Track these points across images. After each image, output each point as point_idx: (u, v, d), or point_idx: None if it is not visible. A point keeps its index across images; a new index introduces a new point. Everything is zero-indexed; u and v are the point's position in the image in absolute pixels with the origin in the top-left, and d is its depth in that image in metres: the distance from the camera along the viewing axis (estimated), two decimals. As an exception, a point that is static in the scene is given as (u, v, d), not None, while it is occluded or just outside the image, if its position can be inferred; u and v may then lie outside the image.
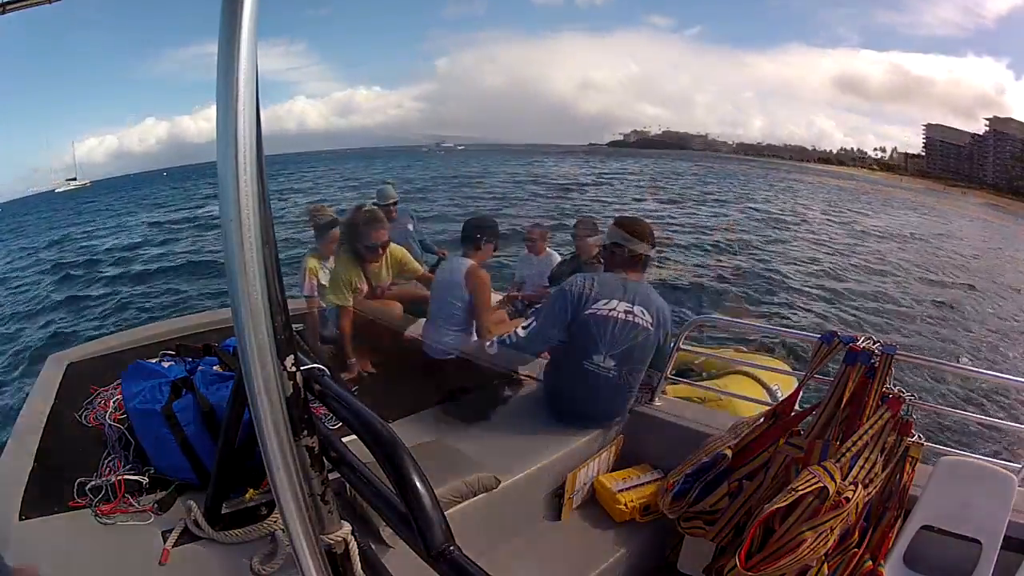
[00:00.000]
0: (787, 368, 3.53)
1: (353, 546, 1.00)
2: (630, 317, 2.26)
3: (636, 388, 2.39)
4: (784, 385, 3.27)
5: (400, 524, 0.88)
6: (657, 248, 2.47)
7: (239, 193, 0.62)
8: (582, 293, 2.28)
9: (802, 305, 9.24)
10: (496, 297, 4.93)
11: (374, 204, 4.46)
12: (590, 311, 2.25)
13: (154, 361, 2.11)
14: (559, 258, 4.43)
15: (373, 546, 1.42)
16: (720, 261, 11.85)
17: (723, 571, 1.73)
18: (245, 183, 0.62)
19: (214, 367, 2.01)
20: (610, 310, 2.26)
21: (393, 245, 2.98)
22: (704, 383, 3.10)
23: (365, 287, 2.87)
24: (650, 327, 2.27)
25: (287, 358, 0.84)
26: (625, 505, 2.15)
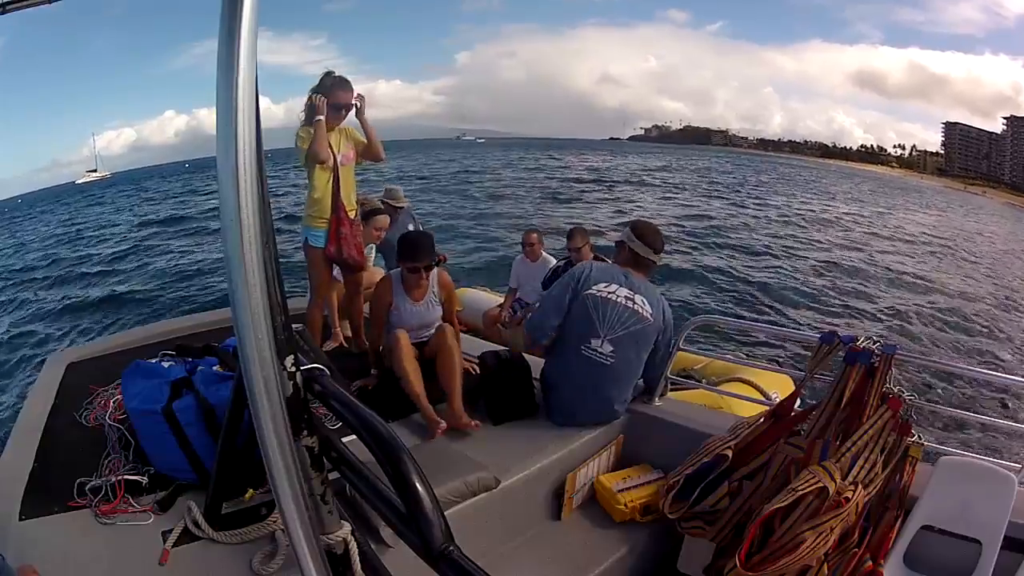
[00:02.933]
0: (784, 376, 3.52)
1: (353, 546, 1.00)
2: (630, 303, 2.27)
3: (633, 384, 2.37)
4: (784, 393, 3.27)
5: (400, 524, 0.88)
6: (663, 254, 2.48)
7: (239, 193, 0.62)
8: (583, 275, 2.33)
9: (808, 308, 9.24)
10: (496, 299, 4.94)
11: (380, 201, 4.47)
12: (589, 291, 2.28)
13: (154, 361, 2.10)
14: (555, 262, 4.43)
15: (373, 546, 1.42)
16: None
17: (723, 571, 1.73)
18: (245, 183, 0.62)
19: (214, 367, 2.01)
20: (610, 292, 2.28)
21: (349, 128, 2.91)
22: (706, 386, 3.09)
23: (330, 153, 2.77)
24: (649, 317, 2.27)
25: (287, 358, 0.85)
26: (625, 505, 2.15)
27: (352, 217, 2.92)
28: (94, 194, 39.41)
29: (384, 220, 3.53)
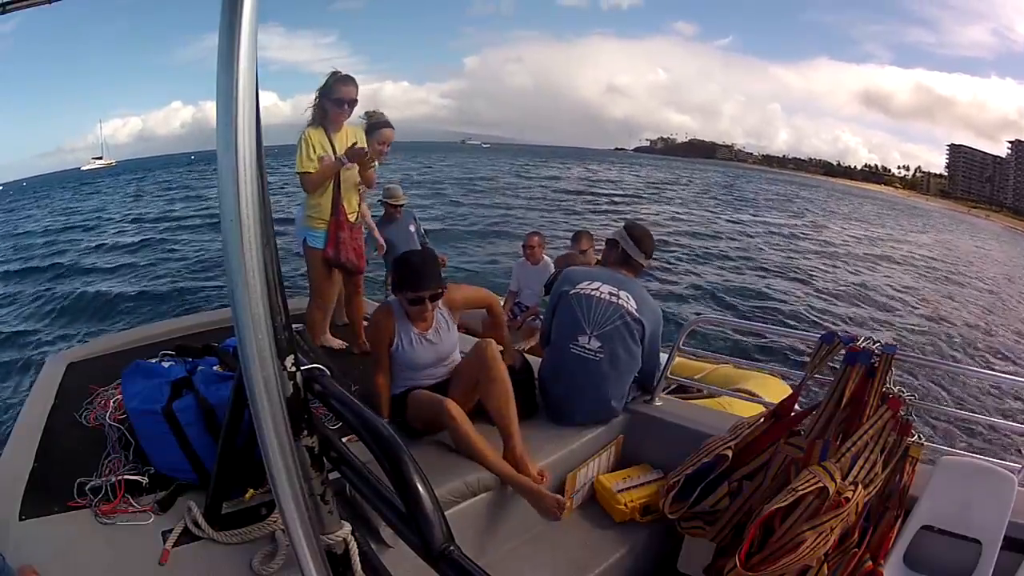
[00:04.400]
0: (786, 388, 3.52)
1: (353, 546, 1.00)
2: (614, 299, 2.29)
3: (628, 384, 2.37)
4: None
5: (400, 524, 0.88)
6: (655, 256, 2.52)
7: (239, 193, 0.62)
8: (565, 277, 2.41)
9: (808, 308, 9.23)
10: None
11: (380, 202, 4.44)
12: (573, 290, 2.33)
13: (154, 361, 2.10)
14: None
15: (373, 546, 1.42)
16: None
17: (723, 571, 1.73)
18: (245, 183, 0.62)
19: (214, 367, 2.01)
20: (593, 289, 2.31)
21: (358, 129, 2.88)
22: (705, 398, 3.07)
23: (333, 156, 2.72)
24: (635, 312, 2.28)
25: (287, 358, 0.85)
26: (625, 505, 2.15)
27: (352, 221, 2.89)
28: (99, 182, 39.31)
29: (389, 134, 3.22)
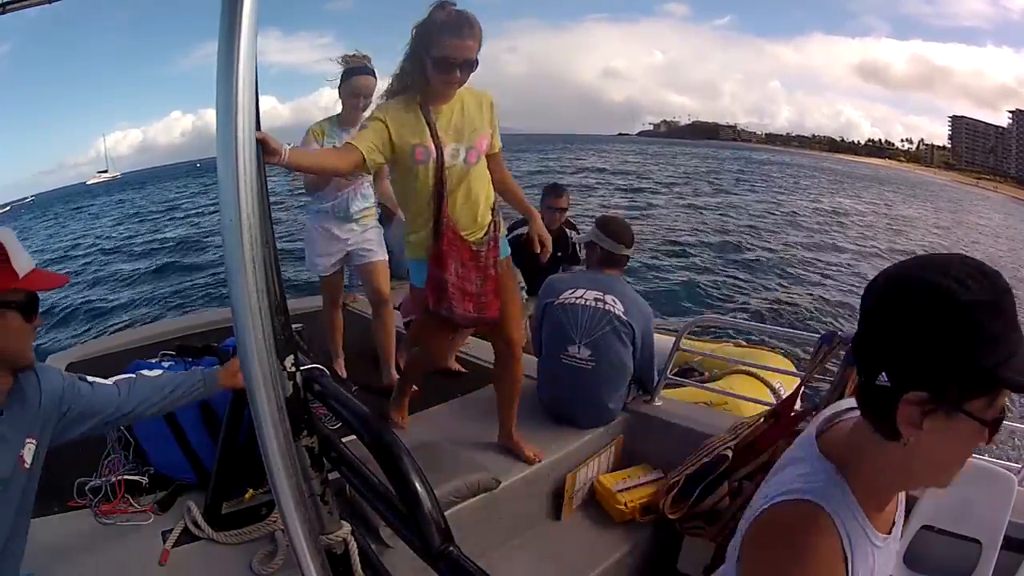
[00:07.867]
0: (788, 363, 3.52)
1: (353, 546, 1.00)
2: (600, 304, 2.26)
3: (624, 386, 2.35)
4: (786, 383, 3.25)
5: (400, 524, 0.88)
6: (635, 247, 2.45)
7: (239, 193, 0.62)
8: (547, 288, 2.38)
9: (808, 308, 9.21)
10: None
11: (378, 204, 4.37)
12: (559, 301, 2.30)
13: (154, 361, 2.10)
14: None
15: (373, 546, 1.42)
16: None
17: (723, 571, 1.73)
18: (245, 183, 0.62)
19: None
20: (578, 298, 2.29)
21: (480, 92, 1.81)
22: (707, 385, 3.08)
23: (432, 146, 1.69)
24: (623, 315, 2.25)
25: (287, 358, 0.85)
26: (625, 505, 2.14)
27: (479, 242, 1.83)
28: (101, 196, 39.43)
29: (366, 82, 2.37)
